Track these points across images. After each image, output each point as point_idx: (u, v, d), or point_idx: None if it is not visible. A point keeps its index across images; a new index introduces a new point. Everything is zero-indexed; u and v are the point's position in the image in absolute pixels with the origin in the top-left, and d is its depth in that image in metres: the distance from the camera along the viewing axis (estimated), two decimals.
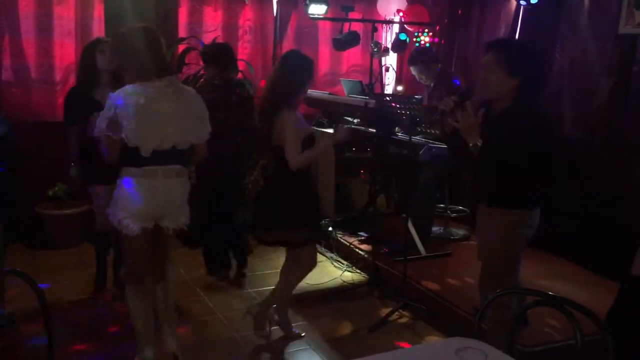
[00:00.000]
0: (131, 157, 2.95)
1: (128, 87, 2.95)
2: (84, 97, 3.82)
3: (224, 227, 4.52)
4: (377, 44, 5.83)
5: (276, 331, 3.77)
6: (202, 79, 5.37)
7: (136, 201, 2.97)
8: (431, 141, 4.64)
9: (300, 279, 3.69)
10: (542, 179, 3.02)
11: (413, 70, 5.28)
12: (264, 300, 3.76)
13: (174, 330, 3.34)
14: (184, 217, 3.16)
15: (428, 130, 4.62)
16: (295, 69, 3.35)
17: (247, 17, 5.95)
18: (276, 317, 3.75)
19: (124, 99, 2.89)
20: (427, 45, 6.18)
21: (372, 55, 5.84)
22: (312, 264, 3.63)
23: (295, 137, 3.27)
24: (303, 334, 3.76)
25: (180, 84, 3.16)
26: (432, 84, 5.24)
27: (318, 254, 5.17)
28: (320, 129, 5.81)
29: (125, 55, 3.01)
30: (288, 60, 3.42)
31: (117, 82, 3.81)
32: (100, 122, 2.94)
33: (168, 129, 2.97)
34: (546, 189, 3.11)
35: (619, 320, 2.73)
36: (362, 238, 5.25)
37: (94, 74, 3.85)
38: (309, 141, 3.37)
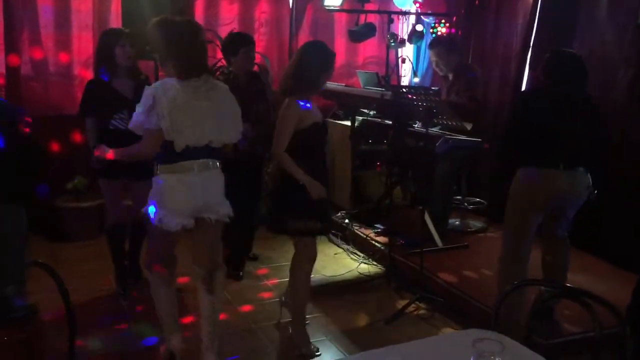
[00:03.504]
0: (165, 153, 2.96)
1: (167, 81, 2.96)
2: (103, 88, 3.82)
3: (247, 219, 4.47)
4: (393, 36, 5.81)
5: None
6: (218, 72, 5.39)
7: (176, 198, 2.98)
8: (448, 133, 4.62)
9: (305, 275, 3.50)
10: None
11: (432, 54, 5.24)
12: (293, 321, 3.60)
13: (215, 346, 3.19)
14: (225, 209, 3.14)
15: (445, 122, 4.59)
16: (304, 59, 3.30)
17: (262, 9, 5.95)
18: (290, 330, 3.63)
19: (163, 90, 2.90)
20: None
21: (388, 47, 5.82)
22: (309, 256, 3.48)
23: (285, 128, 3.25)
24: (319, 353, 3.54)
25: (215, 83, 3.13)
26: (450, 76, 5.20)
27: (334, 246, 5.25)
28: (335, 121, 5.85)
29: (168, 50, 2.95)
30: (302, 49, 3.40)
31: (136, 73, 3.89)
32: (139, 115, 2.95)
33: (205, 127, 2.98)
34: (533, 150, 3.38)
35: (637, 311, 2.71)
36: (379, 230, 5.25)
37: (113, 66, 3.82)
38: (315, 130, 3.31)
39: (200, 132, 2.97)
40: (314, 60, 3.30)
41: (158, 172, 3.01)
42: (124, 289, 4.16)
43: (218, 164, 3.11)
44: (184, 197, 2.98)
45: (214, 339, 3.19)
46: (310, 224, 3.35)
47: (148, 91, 2.94)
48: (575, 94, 3.40)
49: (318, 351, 3.52)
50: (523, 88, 5.48)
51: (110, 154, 3.22)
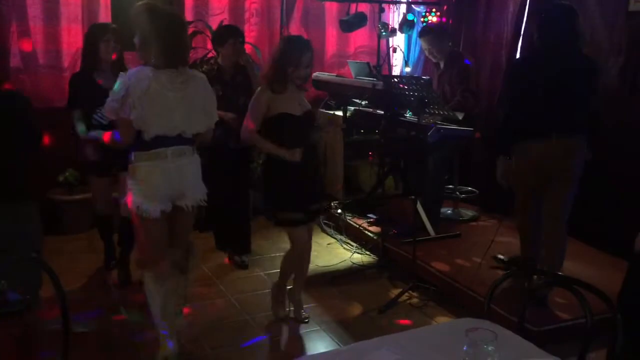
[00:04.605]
0: (138, 141, 3.00)
1: (142, 69, 2.97)
2: (86, 82, 3.92)
3: (237, 206, 4.57)
4: (385, 25, 5.78)
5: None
6: (210, 61, 5.37)
7: (152, 184, 3.03)
8: (440, 122, 4.62)
9: (289, 262, 3.74)
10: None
11: (424, 43, 5.23)
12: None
13: (181, 314, 3.40)
14: (201, 194, 3.23)
15: (437, 112, 4.60)
16: (275, 52, 3.52)
17: None
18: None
19: (137, 80, 2.92)
20: None
21: (379, 36, 5.80)
22: (298, 246, 3.63)
23: (252, 110, 3.49)
24: (307, 320, 3.79)
25: (191, 74, 3.16)
26: (442, 64, 5.19)
27: (327, 236, 5.27)
28: (326, 112, 5.85)
29: (152, 37, 2.96)
30: (279, 42, 3.66)
31: (119, 66, 3.93)
32: (112, 102, 2.97)
33: (175, 117, 3.02)
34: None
35: (628, 298, 2.74)
36: (371, 220, 5.26)
37: (96, 61, 3.92)
38: (282, 121, 3.45)
39: (171, 122, 3.01)
40: (281, 54, 3.46)
41: (133, 160, 3.05)
42: (109, 266, 4.39)
43: (193, 150, 3.17)
44: (160, 182, 3.04)
45: (181, 306, 3.40)
46: (287, 214, 3.53)
47: (122, 80, 2.96)
48: (569, 58, 3.55)
49: (290, 314, 3.82)
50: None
51: (104, 136, 3.21)
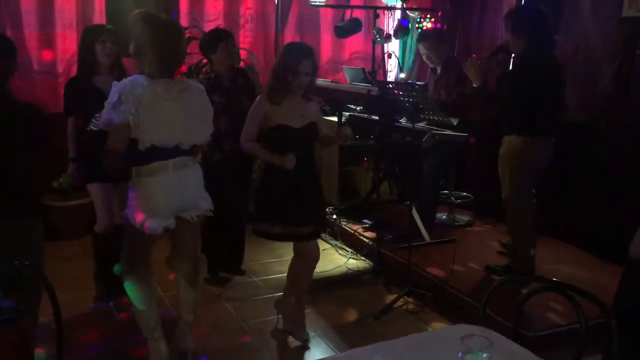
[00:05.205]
0: (135, 155, 2.93)
1: (136, 79, 2.91)
2: (84, 86, 3.75)
3: (235, 216, 4.44)
4: (379, 31, 5.81)
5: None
6: (204, 69, 5.36)
7: (154, 200, 2.96)
8: (435, 128, 4.63)
9: (293, 274, 3.62)
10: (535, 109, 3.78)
11: (422, 47, 5.22)
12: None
13: (190, 328, 3.34)
14: (206, 203, 3.15)
15: (431, 117, 4.61)
16: (277, 59, 3.45)
17: (248, 5, 5.92)
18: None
19: (131, 89, 2.85)
20: None
21: (374, 42, 5.82)
22: (298, 256, 3.53)
23: (248, 120, 3.39)
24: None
25: (187, 83, 3.09)
26: (439, 69, 5.20)
27: (322, 241, 5.26)
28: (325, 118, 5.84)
29: (148, 46, 2.90)
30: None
31: (117, 69, 3.80)
32: (106, 112, 2.90)
33: (173, 128, 2.95)
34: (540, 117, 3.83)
35: (623, 303, 2.75)
36: (366, 225, 5.27)
37: (93, 64, 3.76)
38: (282, 132, 3.30)
39: (168, 132, 2.94)
40: (279, 62, 3.36)
41: (133, 175, 2.98)
42: (106, 291, 4.04)
43: (192, 160, 3.09)
44: (163, 198, 2.96)
45: (191, 325, 3.35)
46: (269, 227, 3.41)
47: (115, 87, 2.89)
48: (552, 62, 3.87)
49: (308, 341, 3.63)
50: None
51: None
